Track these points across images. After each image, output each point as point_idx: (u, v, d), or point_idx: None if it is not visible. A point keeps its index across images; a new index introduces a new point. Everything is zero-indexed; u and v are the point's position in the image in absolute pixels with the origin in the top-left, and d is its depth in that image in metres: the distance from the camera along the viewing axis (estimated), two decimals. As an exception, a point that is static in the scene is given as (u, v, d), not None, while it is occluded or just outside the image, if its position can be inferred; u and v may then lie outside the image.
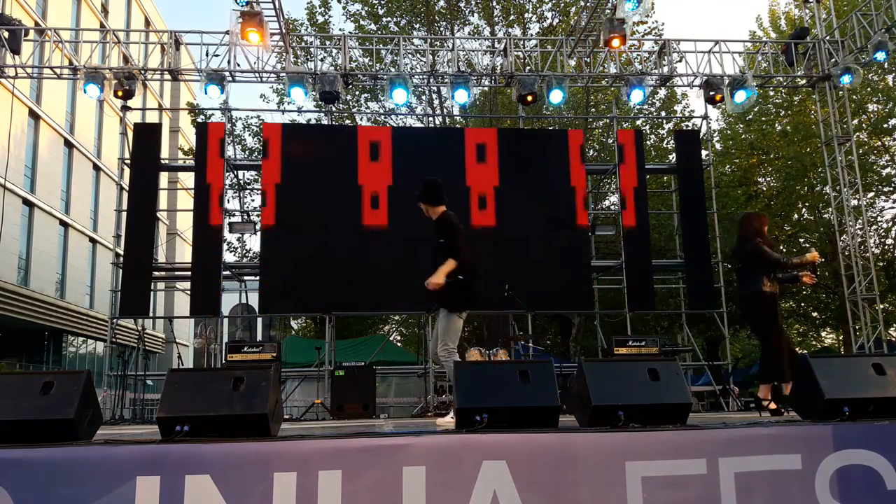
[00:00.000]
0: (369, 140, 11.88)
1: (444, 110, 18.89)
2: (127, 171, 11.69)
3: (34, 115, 23.59)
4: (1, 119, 18.57)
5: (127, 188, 11.54)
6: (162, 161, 12.32)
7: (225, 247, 12.18)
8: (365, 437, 3.09)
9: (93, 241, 28.05)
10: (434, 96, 18.90)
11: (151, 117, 28.50)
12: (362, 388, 9.92)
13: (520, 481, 2.99)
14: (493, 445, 3.06)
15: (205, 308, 11.31)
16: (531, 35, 18.84)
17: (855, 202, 12.71)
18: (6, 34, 10.71)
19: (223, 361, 10.13)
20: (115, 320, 11.50)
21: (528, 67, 12.03)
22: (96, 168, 28.62)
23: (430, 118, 18.31)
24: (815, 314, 22.85)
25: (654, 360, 4.44)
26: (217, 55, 11.26)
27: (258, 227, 12.00)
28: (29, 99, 22.90)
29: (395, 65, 11.85)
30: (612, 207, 17.07)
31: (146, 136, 11.96)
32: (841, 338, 21.77)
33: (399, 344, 23.95)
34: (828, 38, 12.35)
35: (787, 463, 3.17)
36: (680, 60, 12.08)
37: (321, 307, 12.07)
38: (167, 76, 11.83)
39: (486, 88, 16.48)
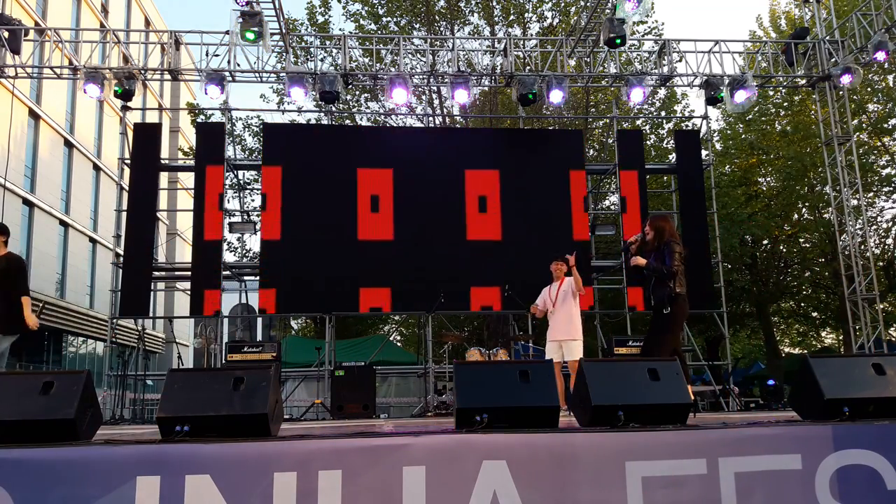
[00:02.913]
0: (369, 143, 11.87)
1: (444, 110, 18.89)
2: (127, 171, 11.70)
3: (34, 115, 23.58)
4: (1, 119, 18.57)
5: (127, 188, 11.56)
6: (162, 161, 12.31)
7: (225, 247, 12.15)
8: (365, 437, 3.09)
9: (93, 241, 28.04)
10: (434, 96, 18.90)
11: (151, 117, 28.50)
12: (362, 388, 9.92)
13: (520, 481, 2.99)
14: (493, 445, 3.05)
15: (205, 308, 11.31)
16: (531, 35, 18.84)
17: (855, 202, 12.71)
18: (6, 34, 10.71)
19: (223, 361, 10.13)
20: (115, 320, 11.52)
21: (528, 67, 12.03)
22: (96, 168, 28.61)
23: (430, 118, 18.30)
24: (815, 314, 22.83)
25: (654, 360, 4.44)
26: (217, 55, 11.29)
27: (258, 227, 12.00)
28: (29, 99, 22.89)
29: (395, 65, 11.85)
30: (613, 207, 17.05)
31: (146, 136, 11.96)
32: (841, 338, 21.77)
33: (399, 344, 23.95)
34: (828, 38, 12.35)
35: (787, 463, 3.17)
36: (680, 60, 12.09)
37: (321, 308, 12.07)
38: (167, 76, 11.83)
39: (486, 88, 16.47)
